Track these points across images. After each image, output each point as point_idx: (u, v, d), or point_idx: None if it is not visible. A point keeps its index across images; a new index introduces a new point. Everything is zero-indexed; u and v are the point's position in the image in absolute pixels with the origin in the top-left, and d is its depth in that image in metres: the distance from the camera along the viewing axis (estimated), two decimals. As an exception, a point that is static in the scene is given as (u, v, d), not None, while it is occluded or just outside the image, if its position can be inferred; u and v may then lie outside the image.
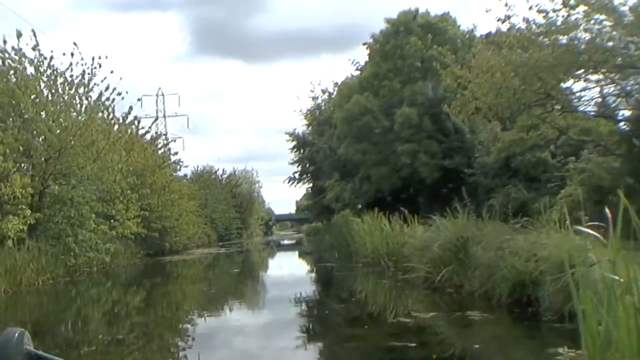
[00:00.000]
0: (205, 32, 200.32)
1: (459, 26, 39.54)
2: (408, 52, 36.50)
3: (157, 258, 43.40)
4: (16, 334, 2.39)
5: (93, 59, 28.88)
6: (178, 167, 53.30)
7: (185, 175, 64.03)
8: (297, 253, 55.81)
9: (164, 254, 47.45)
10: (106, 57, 29.55)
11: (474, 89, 21.65)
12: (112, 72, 29.76)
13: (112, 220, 35.39)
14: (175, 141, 56.23)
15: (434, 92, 35.87)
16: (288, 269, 33.83)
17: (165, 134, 58.92)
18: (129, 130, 33.17)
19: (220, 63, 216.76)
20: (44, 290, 23.95)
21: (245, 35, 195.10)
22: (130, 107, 32.56)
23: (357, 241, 28.50)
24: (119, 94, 30.28)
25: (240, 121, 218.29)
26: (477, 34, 39.33)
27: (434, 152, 34.84)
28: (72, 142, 28.41)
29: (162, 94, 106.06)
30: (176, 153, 53.82)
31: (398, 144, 35.45)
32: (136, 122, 33.98)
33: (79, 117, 29.19)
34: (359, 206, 37.97)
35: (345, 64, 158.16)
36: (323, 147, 47.96)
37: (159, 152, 47.84)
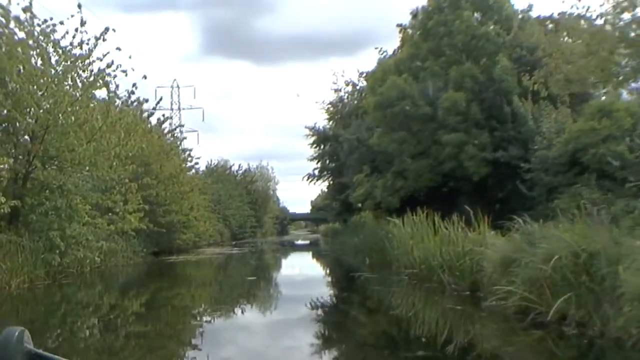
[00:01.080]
0: (215, 33, 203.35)
1: (513, 5, 34.59)
2: (458, 27, 31.58)
3: (163, 257, 38.92)
4: (16, 333, 2.48)
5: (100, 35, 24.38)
6: (189, 157, 48.72)
7: (198, 167, 59.47)
8: (315, 256, 51.02)
9: (172, 252, 43.09)
10: (114, 30, 24.99)
11: (566, 51, 17.27)
12: (118, 49, 25.09)
13: (110, 214, 31.01)
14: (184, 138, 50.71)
15: (486, 74, 31.08)
16: (312, 280, 27.49)
17: (181, 126, 53.83)
18: (132, 112, 28.31)
19: (230, 64, 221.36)
20: (16, 295, 19.81)
21: (254, 36, 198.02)
22: (134, 85, 27.60)
23: (399, 247, 23.66)
24: (124, 71, 25.52)
25: (250, 121, 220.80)
26: (533, 14, 35.11)
27: (483, 143, 29.95)
28: (62, 119, 23.93)
29: (178, 86, 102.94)
30: (187, 150, 49.64)
31: (442, 133, 30.59)
32: (141, 101, 28.90)
33: (73, 91, 24.63)
34: (394, 205, 33.20)
35: (354, 68, 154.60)
36: (349, 139, 43.13)
37: (168, 137, 43.11)
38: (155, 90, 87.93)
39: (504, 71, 30.68)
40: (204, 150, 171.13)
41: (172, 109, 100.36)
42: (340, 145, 49.22)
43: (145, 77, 27.52)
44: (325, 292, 22.20)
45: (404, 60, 34.64)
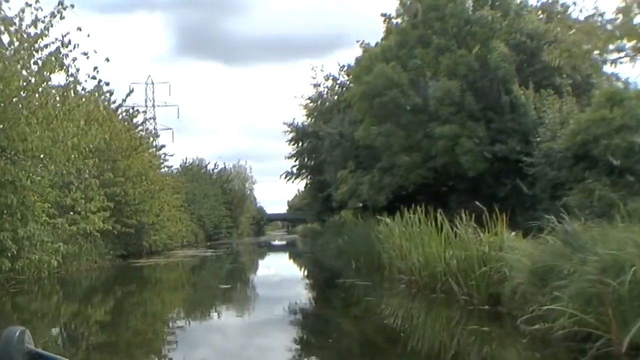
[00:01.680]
0: (186, 35, 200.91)
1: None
2: (453, 11, 29.06)
3: (131, 260, 36.10)
4: (17, 333, 2.44)
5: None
6: (161, 153, 45.97)
7: (170, 165, 56.63)
8: (294, 258, 48.37)
9: (141, 255, 40.38)
10: (72, 6, 22.10)
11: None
12: (79, 28, 22.33)
13: (72, 213, 28.35)
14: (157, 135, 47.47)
15: (481, 62, 28.64)
16: (292, 288, 22.96)
17: (152, 119, 50.68)
18: (93, 98, 25.34)
19: (201, 65, 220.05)
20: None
21: (225, 38, 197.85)
22: (96, 68, 24.49)
23: (393, 250, 21.03)
24: (85, 53, 22.68)
25: (224, 122, 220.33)
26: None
27: (480, 136, 27.45)
28: (13, 104, 21.24)
29: (152, 82, 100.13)
30: (159, 146, 46.84)
31: (434, 125, 28.07)
32: (101, 86, 25.76)
33: (27, 74, 21.88)
34: (381, 203, 30.68)
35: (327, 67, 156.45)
36: (331, 133, 40.50)
37: (138, 132, 40.19)
38: (130, 87, 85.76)
39: (501, 58, 28.24)
40: (179, 149, 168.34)
41: (146, 106, 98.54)
42: (321, 142, 46.78)
43: (107, 59, 24.11)
44: (310, 308, 18.31)
45: (392, 47, 32.07)
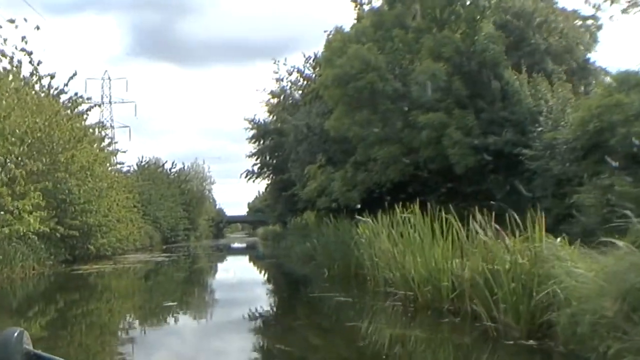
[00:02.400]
0: (140, 36, 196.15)
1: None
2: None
3: (75, 267, 32.27)
4: (15, 334, 2.48)
5: None
6: (113, 149, 42.11)
7: (122, 162, 52.66)
8: (256, 264, 44.54)
9: (88, 260, 36.56)
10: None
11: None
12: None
13: (2, 212, 24.77)
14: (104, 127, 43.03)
15: (467, 43, 25.38)
16: (254, 305, 17.77)
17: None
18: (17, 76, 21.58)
19: (155, 66, 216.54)
20: None
21: (179, 39, 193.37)
22: (24, 38, 20.70)
23: (377, 257, 17.50)
24: (12, 20, 19.07)
25: (181, 124, 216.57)
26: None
27: (469, 126, 24.13)
28: None
29: (109, 78, 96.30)
30: (108, 137, 42.93)
31: (417, 113, 24.65)
32: (36, 67, 22.01)
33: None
34: (354, 201, 27.26)
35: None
36: (297, 125, 36.91)
37: (82, 120, 36.03)
38: (85, 82, 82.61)
39: (488, 39, 25.02)
40: (136, 150, 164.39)
41: (102, 103, 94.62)
42: (285, 137, 43.43)
43: (38, 27, 20.38)
44: (273, 341, 12.70)
45: (366, 29, 28.64)
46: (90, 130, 37.51)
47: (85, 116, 35.25)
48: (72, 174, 32.11)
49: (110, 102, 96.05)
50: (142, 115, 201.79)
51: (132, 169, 71.78)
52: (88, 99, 34.28)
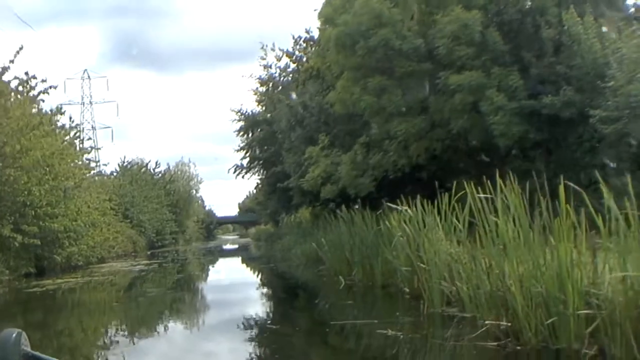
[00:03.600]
0: (116, 44, 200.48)
1: None
2: None
3: (36, 282, 26.90)
4: (13, 335, 2.51)
5: None
6: (77, 140, 36.74)
7: (95, 159, 47.33)
8: (252, 268, 38.87)
9: (54, 272, 31.41)
10: None
11: None
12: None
13: None
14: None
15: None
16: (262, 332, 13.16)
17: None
18: None
19: (132, 73, 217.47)
20: None
21: (156, 46, 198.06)
22: None
23: (428, 263, 12.18)
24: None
25: (163, 128, 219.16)
26: None
27: (512, 87, 18.97)
28: None
29: (89, 77, 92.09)
30: (75, 128, 37.64)
31: (446, 74, 19.48)
32: None
33: None
34: (365, 190, 22.16)
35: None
36: (292, 106, 31.63)
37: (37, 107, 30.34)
38: (64, 82, 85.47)
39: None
40: (119, 153, 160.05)
41: (82, 103, 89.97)
42: (277, 124, 38.56)
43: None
44: None
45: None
46: (51, 118, 31.93)
47: (40, 99, 29.61)
48: (25, 170, 26.81)
49: (90, 102, 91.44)
50: (123, 121, 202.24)
51: (114, 170, 68.68)
52: (30, 77, 28.46)
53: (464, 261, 10.78)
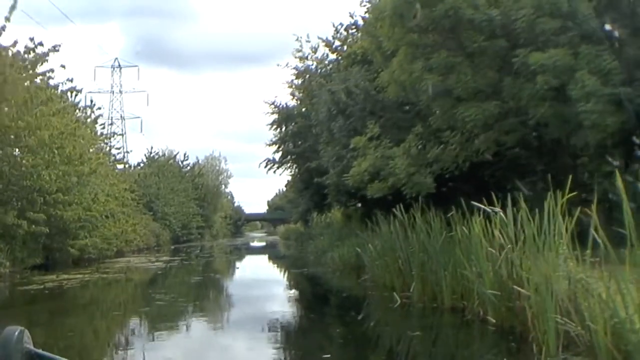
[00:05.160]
0: (136, 43, 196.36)
1: None
2: None
3: (39, 277, 24.06)
4: (16, 333, 2.51)
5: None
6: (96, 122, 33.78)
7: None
8: (282, 271, 35.89)
9: (64, 265, 28.77)
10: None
11: None
12: None
13: None
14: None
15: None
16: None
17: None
18: None
19: (152, 71, 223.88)
20: None
21: (176, 46, 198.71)
22: None
23: (540, 292, 8.80)
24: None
25: (188, 125, 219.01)
26: None
27: (605, 69, 15.55)
28: None
29: (119, 65, 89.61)
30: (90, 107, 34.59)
31: (524, 52, 16.11)
32: None
33: None
34: (426, 188, 18.72)
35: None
36: (333, 92, 28.22)
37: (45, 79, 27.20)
38: (95, 70, 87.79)
39: None
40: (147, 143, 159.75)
41: (112, 92, 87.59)
42: (312, 119, 35.93)
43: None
44: None
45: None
46: (62, 96, 28.85)
47: (49, 74, 26.44)
48: (32, 151, 23.86)
49: (120, 92, 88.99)
50: (150, 115, 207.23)
51: (141, 161, 67.10)
52: (36, 44, 25.17)
53: (598, 292, 7.45)
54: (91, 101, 37.20)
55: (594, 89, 15.24)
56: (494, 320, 10.71)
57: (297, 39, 43.08)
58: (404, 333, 12.35)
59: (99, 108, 38.30)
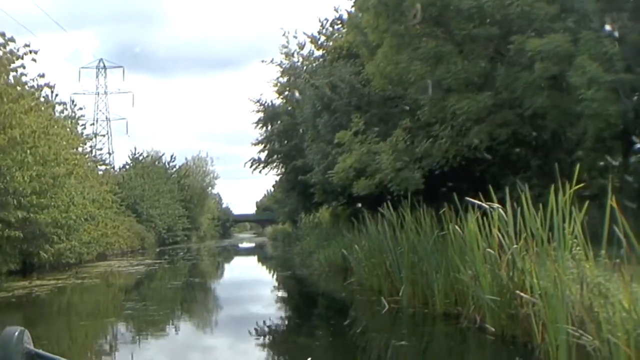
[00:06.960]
0: (112, 49, 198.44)
1: None
2: None
3: (11, 282, 23.02)
4: (16, 333, 2.48)
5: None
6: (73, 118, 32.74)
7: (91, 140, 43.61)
8: (268, 268, 35.82)
9: (42, 270, 27.97)
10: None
11: None
12: None
13: None
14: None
15: None
16: None
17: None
18: None
19: (135, 77, 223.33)
20: None
21: (151, 51, 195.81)
22: None
23: (557, 301, 7.73)
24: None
25: (171, 129, 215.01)
26: None
27: (606, 55, 14.60)
28: None
29: (104, 66, 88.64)
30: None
31: (520, 39, 15.15)
32: None
33: None
34: (414, 185, 17.70)
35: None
36: (318, 86, 27.26)
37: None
38: (79, 71, 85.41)
39: None
40: (132, 145, 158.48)
41: (97, 93, 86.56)
42: (299, 111, 34.70)
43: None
44: None
45: None
46: (35, 93, 27.62)
47: (20, 69, 25.33)
48: (1, 149, 22.79)
49: (105, 93, 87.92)
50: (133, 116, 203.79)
51: (126, 163, 66.83)
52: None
53: (619, 298, 6.46)
54: (72, 101, 35.97)
55: (595, 75, 14.30)
56: (492, 329, 9.76)
57: (283, 34, 42.43)
58: (391, 342, 11.14)
59: (80, 108, 37.23)
